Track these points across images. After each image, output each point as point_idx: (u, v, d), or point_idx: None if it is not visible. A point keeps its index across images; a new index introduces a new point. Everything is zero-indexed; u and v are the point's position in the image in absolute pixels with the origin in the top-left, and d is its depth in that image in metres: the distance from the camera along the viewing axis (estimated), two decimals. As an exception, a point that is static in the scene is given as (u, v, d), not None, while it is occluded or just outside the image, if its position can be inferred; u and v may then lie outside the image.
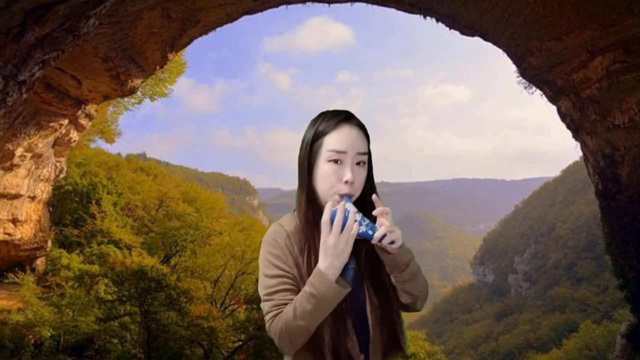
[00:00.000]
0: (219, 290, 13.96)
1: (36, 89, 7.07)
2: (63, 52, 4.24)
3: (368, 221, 1.19)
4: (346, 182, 1.21)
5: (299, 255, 1.25)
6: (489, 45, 8.40)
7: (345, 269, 1.24)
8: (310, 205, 1.27)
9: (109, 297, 10.28)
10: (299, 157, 1.30)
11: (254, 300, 11.48)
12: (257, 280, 13.02)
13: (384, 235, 1.16)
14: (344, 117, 1.25)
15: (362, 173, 1.25)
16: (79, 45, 4.56)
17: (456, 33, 8.29)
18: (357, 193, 1.24)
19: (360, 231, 1.17)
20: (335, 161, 1.22)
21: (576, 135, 9.32)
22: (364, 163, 1.25)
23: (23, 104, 7.57)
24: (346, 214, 1.17)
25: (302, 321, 1.15)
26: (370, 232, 1.17)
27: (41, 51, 3.89)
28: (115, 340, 10.05)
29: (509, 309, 55.15)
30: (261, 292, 1.26)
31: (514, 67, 8.90)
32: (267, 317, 1.22)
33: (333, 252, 1.15)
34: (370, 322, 1.25)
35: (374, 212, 1.19)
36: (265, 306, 1.24)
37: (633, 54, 6.59)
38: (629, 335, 10.74)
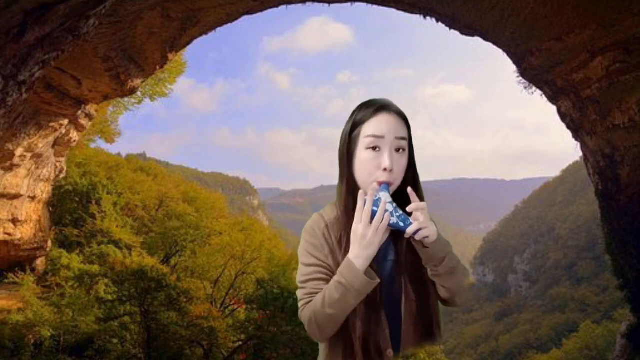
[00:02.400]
0: (219, 290, 13.96)
1: (36, 89, 7.07)
2: (63, 52, 4.24)
3: (401, 213, 1.15)
4: (384, 169, 1.18)
5: (337, 245, 1.24)
6: (489, 45, 8.40)
7: (384, 260, 1.25)
8: (349, 194, 1.25)
9: (109, 297, 10.27)
10: (339, 148, 1.29)
11: (254, 300, 11.48)
12: (257, 281, 13.05)
13: (418, 230, 1.13)
14: (381, 105, 1.23)
15: (402, 160, 1.22)
16: (79, 45, 4.56)
17: (456, 33, 8.29)
18: (396, 181, 1.21)
19: (391, 222, 1.13)
20: (374, 148, 1.19)
21: (576, 135, 9.31)
22: (403, 150, 1.22)
23: (23, 104, 7.56)
24: (377, 203, 1.13)
25: (330, 309, 1.15)
26: (401, 225, 1.14)
27: (41, 51, 3.89)
28: (115, 340, 10.04)
29: (509, 309, 55.15)
30: (297, 279, 1.27)
31: (514, 67, 8.90)
32: (299, 304, 1.24)
33: (361, 241, 1.13)
34: (403, 316, 1.24)
35: (408, 208, 1.15)
36: (299, 293, 1.26)
37: (633, 54, 6.59)
38: (629, 335, 10.73)
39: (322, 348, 1.29)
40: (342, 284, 1.14)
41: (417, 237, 1.13)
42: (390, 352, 1.21)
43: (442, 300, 1.28)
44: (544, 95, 9.25)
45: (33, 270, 12.42)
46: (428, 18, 8.00)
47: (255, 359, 10.40)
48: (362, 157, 1.21)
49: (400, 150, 1.21)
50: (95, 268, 11.20)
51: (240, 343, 10.87)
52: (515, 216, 75.10)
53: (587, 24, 6.53)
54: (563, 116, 9.13)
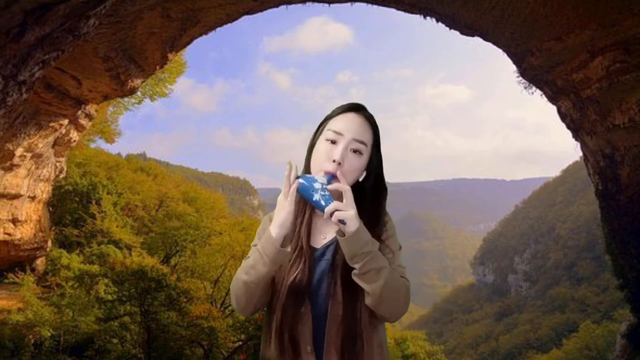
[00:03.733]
0: (219, 290, 13.95)
1: (36, 89, 7.07)
2: (63, 52, 4.24)
3: (329, 195, 1.15)
4: (333, 161, 1.21)
5: None
6: (489, 45, 8.40)
7: (320, 258, 1.28)
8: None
9: (109, 297, 10.26)
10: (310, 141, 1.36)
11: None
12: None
13: (335, 211, 1.12)
14: (352, 107, 1.29)
15: (356, 161, 1.24)
16: (79, 45, 4.56)
17: (456, 33, 8.29)
18: (345, 178, 1.20)
19: (313, 198, 1.15)
20: (332, 142, 1.23)
21: (576, 135, 9.31)
22: (360, 153, 1.24)
23: (23, 104, 7.56)
24: (310, 181, 1.17)
25: (245, 275, 1.22)
26: (323, 203, 1.14)
27: (41, 51, 3.89)
28: (115, 340, 10.04)
29: (509, 309, 55.15)
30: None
31: (514, 67, 8.90)
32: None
33: (277, 207, 1.20)
34: (328, 316, 1.22)
35: (330, 187, 1.17)
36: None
37: (633, 54, 6.59)
38: (629, 335, 10.74)
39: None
40: (257, 250, 1.21)
41: (333, 218, 1.12)
42: (309, 348, 1.20)
43: (371, 309, 1.22)
44: (544, 95, 9.24)
45: (33, 270, 12.42)
46: (428, 18, 7.99)
47: (255, 359, 10.40)
48: (319, 147, 1.26)
49: (357, 152, 1.24)
50: (95, 268, 11.19)
51: (240, 343, 10.86)
52: (515, 216, 75.10)
53: (587, 24, 6.53)
54: (563, 116, 9.13)
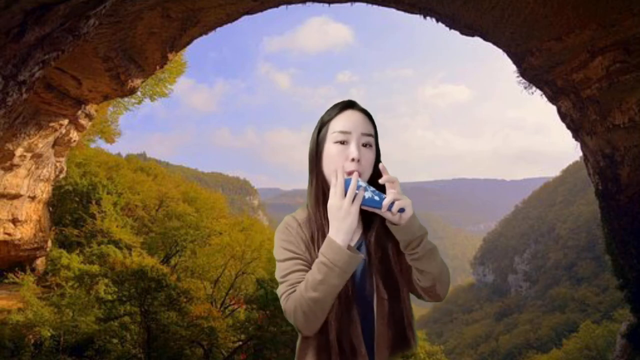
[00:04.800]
0: (219, 290, 13.96)
1: (36, 89, 7.07)
2: (63, 52, 4.24)
3: (374, 189, 1.16)
4: (352, 159, 1.20)
5: (310, 242, 1.25)
6: (489, 45, 8.40)
7: None
8: (319, 190, 1.27)
9: (109, 297, 10.27)
10: (309, 148, 1.32)
11: (254, 300, 11.47)
12: (257, 281, 13.06)
13: (393, 202, 1.11)
14: (346, 104, 1.29)
15: (369, 154, 1.24)
16: (79, 45, 4.56)
17: (456, 33, 8.30)
18: (364, 174, 1.22)
19: (366, 196, 1.14)
20: (342, 142, 1.22)
21: (576, 135, 9.31)
22: (370, 145, 1.25)
23: (23, 104, 7.56)
24: (348, 182, 1.15)
25: (314, 292, 1.11)
26: (377, 199, 1.13)
27: (41, 51, 3.89)
28: (115, 340, 10.04)
29: (509, 309, 55.15)
30: (277, 277, 1.24)
31: (514, 67, 8.90)
32: (282, 300, 1.19)
33: (337, 214, 1.12)
34: (375, 315, 1.23)
35: (381, 180, 1.16)
36: (280, 290, 1.21)
37: (633, 54, 6.59)
38: (629, 335, 10.73)
39: (298, 349, 1.27)
40: (324, 263, 1.11)
41: (394, 208, 1.11)
42: (363, 350, 1.19)
43: (422, 292, 1.24)
44: (544, 95, 9.24)
45: (33, 270, 12.42)
46: (428, 18, 8.00)
47: (255, 359, 10.40)
48: (331, 151, 1.23)
49: (367, 146, 1.24)
50: (95, 268, 11.19)
51: (240, 343, 10.87)
52: (515, 216, 75.08)
53: (587, 24, 6.52)
54: (563, 116, 9.13)
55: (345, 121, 1.25)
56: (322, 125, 1.28)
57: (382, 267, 1.25)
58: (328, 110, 1.31)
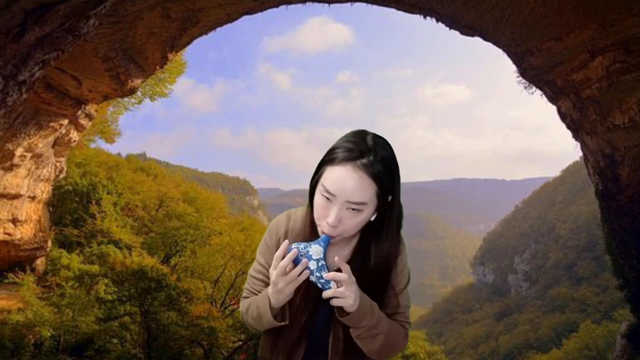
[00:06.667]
0: (219, 290, 13.95)
1: (36, 89, 7.07)
2: (63, 52, 4.24)
3: (322, 276, 1.11)
4: (327, 223, 1.12)
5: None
6: (489, 45, 8.40)
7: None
8: (311, 221, 1.24)
9: (109, 297, 10.27)
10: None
11: (254, 300, 11.45)
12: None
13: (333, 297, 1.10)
14: (354, 155, 1.08)
15: (355, 217, 1.12)
16: (79, 45, 4.56)
17: (456, 33, 8.29)
18: (343, 235, 1.15)
19: (310, 278, 1.13)
20: (327, 198, 1.12)
21: (576, 135, 9.31)
22: (359, 210, 1.11)
23: (23, 104, 7.56)
24: (299, 258, 1.12)
25: (251, 320, 1.30)
26: (319, 286, 1.12)
27: (41, 51, 3.89)
28: (115, 340, 10.04)
29: (509, 309, 55.14)
30: (249, 270, 1.40)
31: (514, 67, 8.90)
32: (243, 294, 1.40)
33: (273, 287, 1.16)
34: (329, 352, 1.23)
35: (325, 275, 1.10)
36: (246, 283, 1.39)
37: (633, 54, 6.59)
38: (629, 335, 10.73)
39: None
40: (258, 307, 1.25)
41: (332, 303, 1.12)
42: None
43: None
44: (544, 95, 9.24)
45: (33, 270, 12.41)
46: (428, 18, 8.00)
47: (255, 359, 10.39)
48: (317, 199, 1.16)
49: (355, 210, 1.11)
50: (95, 268, 11.19)
51: (240, 343, 10.87)
52: (515, 216, 75.06)
53: (587, 24, 6.52)
54: (563, 116, 9.13)
55: (334, 180, 1.09)
56: (322, 163, 1.15)
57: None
58: (339, 142, 1.14)
